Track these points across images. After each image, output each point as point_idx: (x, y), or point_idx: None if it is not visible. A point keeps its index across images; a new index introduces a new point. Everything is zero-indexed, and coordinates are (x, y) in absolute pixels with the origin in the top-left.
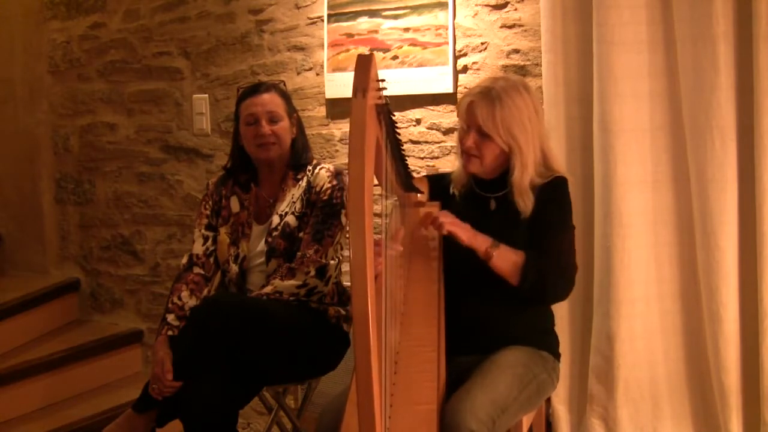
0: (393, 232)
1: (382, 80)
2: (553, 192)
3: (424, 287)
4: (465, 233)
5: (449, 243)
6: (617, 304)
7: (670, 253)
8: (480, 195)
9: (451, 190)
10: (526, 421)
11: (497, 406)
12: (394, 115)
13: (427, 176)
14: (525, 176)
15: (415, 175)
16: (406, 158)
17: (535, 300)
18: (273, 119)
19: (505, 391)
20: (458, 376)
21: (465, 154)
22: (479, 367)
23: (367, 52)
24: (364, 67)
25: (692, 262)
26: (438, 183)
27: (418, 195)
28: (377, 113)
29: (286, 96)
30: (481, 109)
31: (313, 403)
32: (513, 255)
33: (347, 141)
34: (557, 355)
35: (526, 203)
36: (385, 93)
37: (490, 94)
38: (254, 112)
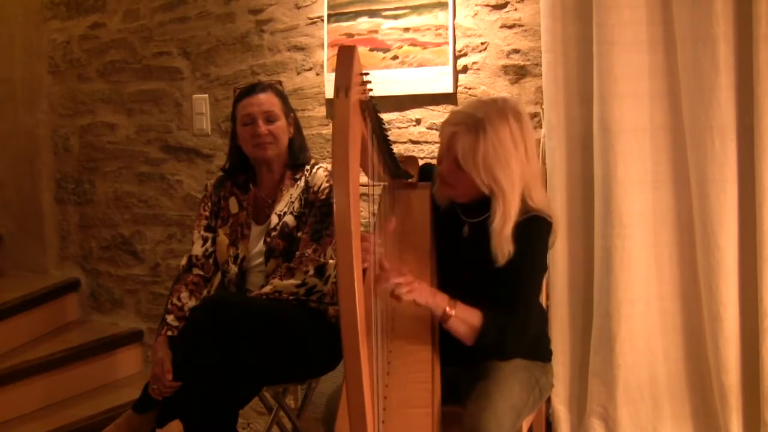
0: (383, 222)
1: (366, 73)
2: (525, 232)
3: None
4: (423, 296)
5: (442, 246)
6: (617, 304)
7: (670, 253)
8: (457, 217)
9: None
10: (526, 421)
11: (515, 411)
12: (379, 111)
13: (421, 166)
14: (507, 225)
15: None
16: (393, 150)
17: (491, 356)
18: (270, 119)
19: (519, 396)
20: (451, 384)
21: (440, 176)
22: (486, 375)
23: (348, 45)
24: (345, 61)
25: (692, 262)
26: (429, 175)
27: (409, 179)
28: (362, 110)
29: (282, 96)
30: (463, 144)
31: (313, 403)
32: (470, 317)
33: None
34: (549, 357)
35: (504, 252)
36: (384, 93)
37: (474, 126)
38: (251, 112)
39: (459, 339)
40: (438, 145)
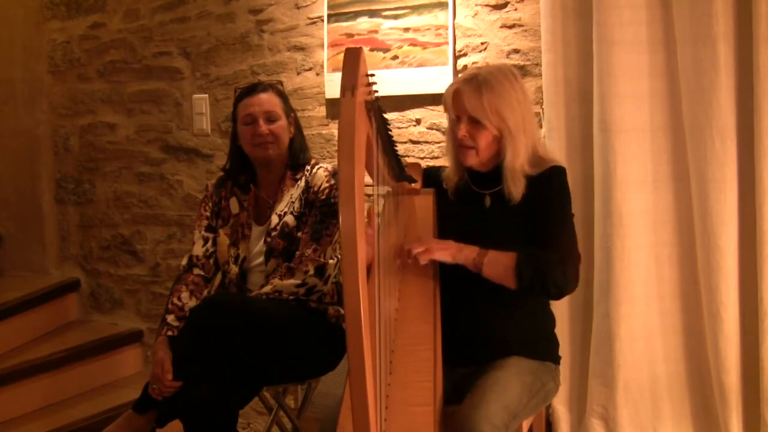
0: (385, 229)
1: (372, 75)
2: (550, 182)
3: (419, 285)
4: (446, 254)
5: (465, 224)
6: (617, 304)
7: (670, 253)
8: (475, 192)
9: (444, 186)
10: (526, 422)
11: (509, 412)
12: (384, 112)
13: (424, 169)
14: (517, 160)
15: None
16: (399, 154)
17: (540, 295)
18: (270, 119)
19: (517, 397)
20: (456, 386)
21: (460, 146)
22: (487, 374)
23: (355, 47)
24: (352, 62)
25: (692, 262)
26: (433, 177)
27: (412, 184)
28: (367, 110)
29: (283, 95)
30: (468, 96)
31: (313, 403)
32: (504, 258)
33: None
34: (558, 360)
35: (517, 188)
36: (384, 93)
37: (475, 80)
38: (252, 112)
39: (502, 285)
40: (438, 145)
